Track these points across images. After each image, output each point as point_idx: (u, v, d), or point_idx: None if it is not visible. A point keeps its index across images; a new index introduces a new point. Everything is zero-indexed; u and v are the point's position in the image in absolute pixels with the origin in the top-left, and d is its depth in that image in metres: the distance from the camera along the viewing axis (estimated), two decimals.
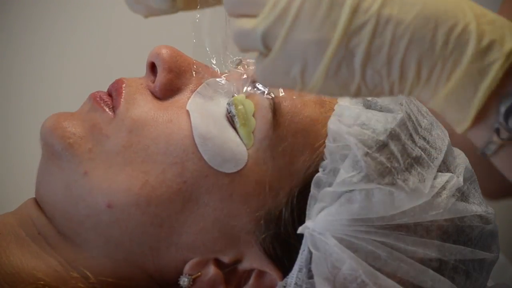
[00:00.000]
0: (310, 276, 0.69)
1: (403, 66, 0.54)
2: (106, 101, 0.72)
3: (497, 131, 0.54)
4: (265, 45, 0.56)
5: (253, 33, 0.56)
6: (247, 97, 0.71)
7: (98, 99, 0.72)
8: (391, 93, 0.56)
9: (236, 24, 0.57)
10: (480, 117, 0.54)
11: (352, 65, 0.55)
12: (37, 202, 0.73)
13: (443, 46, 0.54)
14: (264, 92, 0.71)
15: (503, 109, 0.53)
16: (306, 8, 0.54)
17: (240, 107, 0.70)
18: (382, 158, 0.68)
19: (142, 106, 0.71)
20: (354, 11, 0.54)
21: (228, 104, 0.71)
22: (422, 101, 0.56)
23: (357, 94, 0.56)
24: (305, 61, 0.55)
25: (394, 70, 0.55)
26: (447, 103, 0.54)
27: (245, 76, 0.73)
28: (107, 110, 0.71)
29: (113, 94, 0.73)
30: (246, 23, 0.56)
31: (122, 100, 0.71)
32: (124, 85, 0.72)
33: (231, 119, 0.71)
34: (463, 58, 0.54)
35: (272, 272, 0.70)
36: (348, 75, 0.55)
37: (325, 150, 0.70)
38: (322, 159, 0.70)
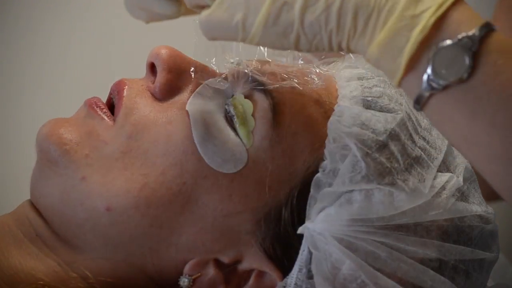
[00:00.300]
0: (310, 276, 0.69)
1: (340, 15, 0.56)
2: (102, 108, 0.72)
3: (427, 81, 0.55)
4: None
5: None
6: (246, 97, 0.71)
7: (94, 106, 0.72)
8: (329, 45, 0.58)
9: None
10: (412, 66, 0.55)
11: (292, 12, 0.57)
12: (33, 203, 0.73)
13: None
14: (264, 91, 0.71)
15: (431, 57, 0.55)
16: None
17: (239, 107, 0.70)
18: (382, 159, 0.68)
19: (142, 110, 0.71)
20: None
21: (227, 104, 0.71)
22: (360, 53, 0.58)
23: (296, 44, 0.58)
24: (246, 8, 0.58)
25: (331, 18, 0.57)
26: (381, 53, 0.56)
27: (245, 76, 0.73)
28: (105, 118, 0.71)
29: (114, 97, 0.73)
30: None
31: (122, 104, 0.71)
32: (125, 87, 0.72)
33: (230, 119, 0.71)
34: (396, 6, 0.55)
35: (272, 272, 0.70)
36: (288, 22, 0.58)
37: (325, 151, 0.69)
38: (322, 160, 0.69)
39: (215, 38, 0.62)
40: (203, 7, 0.61)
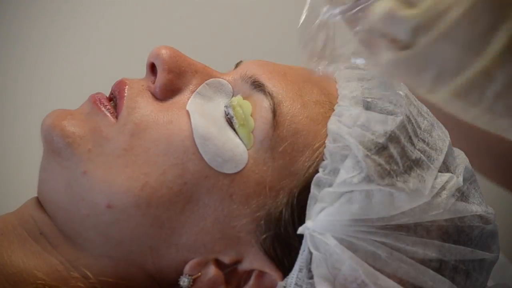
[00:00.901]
0: (310, 276, 0.69)
1: None
2: (106, 105, 0.72)
3: None
4: (412, 36, 0.55)
5: (405, 22, 0.55)
6: (245, 97, 0.72)
7: (98, 102, 0.72)
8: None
9: (389, 5, 0.56)
10: None
11: (485, 91, 0.53)
12: (39, 201, 0.74)
13: None
14: (264, 92, 0.71)
15: None
16: (467, 17, 0.53)
17: (237, 108, 0.70)
18: (382, 161, 0.68)
19: (143, 109, 0.71)
20: None
21: (226, 106, 0.71)
22: None
23: (475, 119, 0.55)
24: (443, 69, 0.54)
25: None
26: None
27: (245, 76, 0.73)
28: (108, 114, 0.71)
29: (115, 96, 0.73)
30: (403, 10, 0.55)
31: (124, 103, 0.71)
32: (126, 87, 0.72)
33: (229, 121, 0.71)
34: None
35: (272, 273, 0.70)
36: (478, 98, 0.54)
37: (325, 151, 0.69)
38: (322, 159, 0.69)
39: (397, 78, 0.60)
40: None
